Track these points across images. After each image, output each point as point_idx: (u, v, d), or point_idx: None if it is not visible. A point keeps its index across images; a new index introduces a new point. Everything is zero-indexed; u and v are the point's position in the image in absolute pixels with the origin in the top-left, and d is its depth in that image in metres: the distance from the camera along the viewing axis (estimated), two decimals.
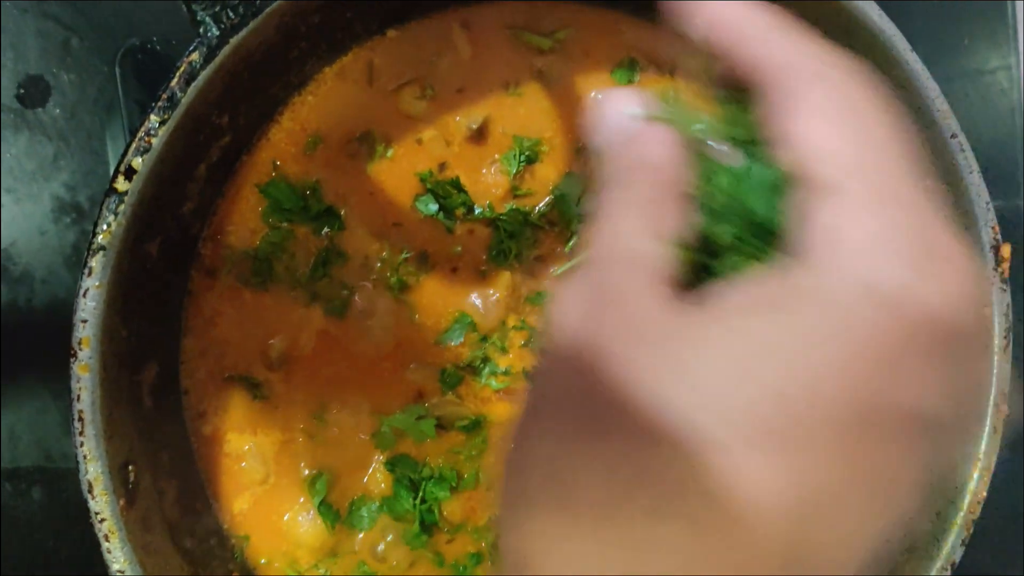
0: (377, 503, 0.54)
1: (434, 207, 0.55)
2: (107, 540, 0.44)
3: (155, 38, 0.61)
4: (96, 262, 0.43)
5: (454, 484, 0.54)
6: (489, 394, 0.55)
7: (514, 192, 0.56)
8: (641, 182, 0.26)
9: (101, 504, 0.44)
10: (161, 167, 0.44)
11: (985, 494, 0.49)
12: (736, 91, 0.26)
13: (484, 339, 0.55)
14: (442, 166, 0.55)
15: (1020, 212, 0.66)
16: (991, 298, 0.49)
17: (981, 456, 0.49)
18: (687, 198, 0.26)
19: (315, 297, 0.55)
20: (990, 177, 0.48)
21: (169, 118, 0.43)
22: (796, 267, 0.23)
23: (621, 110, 0.27)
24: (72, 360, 0.43)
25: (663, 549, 0.23)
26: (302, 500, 0.54)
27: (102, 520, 0.44)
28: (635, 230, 0.25)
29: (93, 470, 0.44)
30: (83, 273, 0.43)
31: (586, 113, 0.28)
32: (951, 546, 0.49)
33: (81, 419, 0.43)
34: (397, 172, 0.55)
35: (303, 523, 0.54)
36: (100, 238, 0.43)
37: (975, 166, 0.48)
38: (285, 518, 0.54)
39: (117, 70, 0.60)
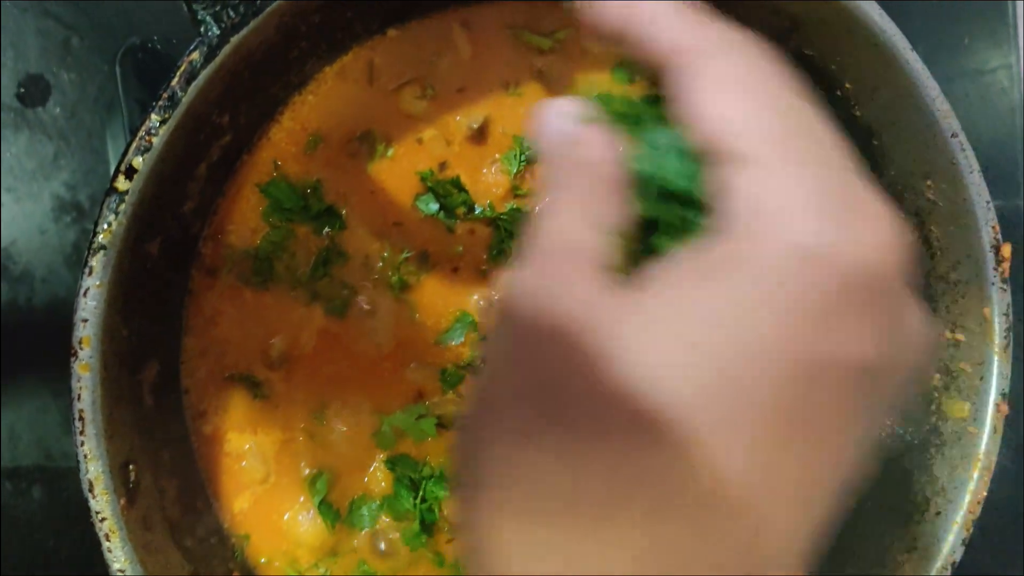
0: (377, 502, 0.54)
1: (435, 206, 0.55)
2: (108, 539, 0.44)
3: (156, 37, 0.61)
4: (97, 261, 0.43)
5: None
6: None
7: (515, 192, 0.56)
8: (579, 180, 0.27)
9: (102, 503, 0.44)
10: (162, 166, 0.44)
11: (985, 494, 0.49)
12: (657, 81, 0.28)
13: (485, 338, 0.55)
14: (443, 165, 0.55)
15: (1020, 212, 0.66)
16: (990, 295, 0.49)
17: (981, 456, 0.49)
18: (624, 191, 0.27)
19: (316, 296, 0.55)
20: (990, 176, 0.48)
21: (170, 117, 0.43)
22: (723, 237, 0.24)
23: (561, 116, 0.28)
24: (73, 359, 0.43)
25: (635, 545, 0.23)
26: (302, 499, 0.54)
27: (103, 519, 0.44)
28: (574, 223, 0.26)
29: (94, 469, 0.44)
30: (84, 272, 0.43)
31: (530, 122, 0.29)
32: (951, 546, 0.49)
33: (82, 418, 0.43)
34: (398, 171, 0.55)
35: (303, 522, 0.54)
36: (101, 237, 0.43)
37: (975, 165, 0.48)
38: (285, 517, 0.54)
39: (117, 69, 0.60)
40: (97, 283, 0.43)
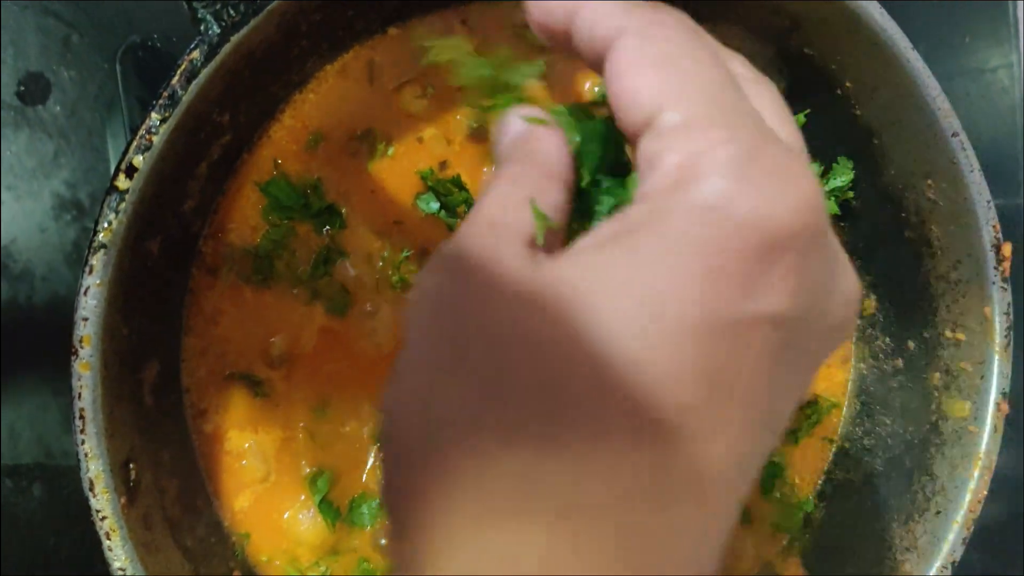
0: (378, 501, 0.54)
1: (435, 205, 0.55)
2: (108, 538, 0.44)
3: (156, 35, 0.60)
4: (97, 260, 0.43)
5: None
6: None
7: None
8: (519, 166, 0.28)
9: (102, 502, 0.44)
10: (162, 165, 0.44)
11: (985, 493, 0.49)
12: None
13: None
14: (443, 164, 0.55)
15: (1021, 210, 0.66)
16: (991, 294, 0.49)
17: (981, 456, 0.49)
18: (563, 178, 0.28)
19: (316, 295, 0.55)
20: (991, 175, 0.48)
21: (170, 116, 0.43)
22: (639, 200, 0.25)
23: (515, 119, 0.30)
24: (73, 358, 0.43)
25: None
26: (303, 498, 0.54)
27: (103, 518, 0.44)
28: (506, 200, 0.27)
29: (94, 468, 0.44)
30: (84, 271, 0.43)
31: (492, 130, 0.31)
32: (951, 545, 0.49)
33: (82, 417, 0.43)
34: (398, 170, 0.55)
35: (304, 521, 0.54)
36: (101, 236, 0.43)
37: (976, 164, 0.48)
38: (286, 516, 0.54)
39: (118, 67, 0.60)
40: (97, 282, 0.43)
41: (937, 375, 0.53)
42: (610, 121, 0.28)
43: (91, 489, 0.44)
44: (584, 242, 0.25)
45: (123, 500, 0.45)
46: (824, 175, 0.56)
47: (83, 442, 0.44)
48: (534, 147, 0.29)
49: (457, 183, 0.55)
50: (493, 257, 0.25)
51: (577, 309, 0.23)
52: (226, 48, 0.43)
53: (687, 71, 0.25)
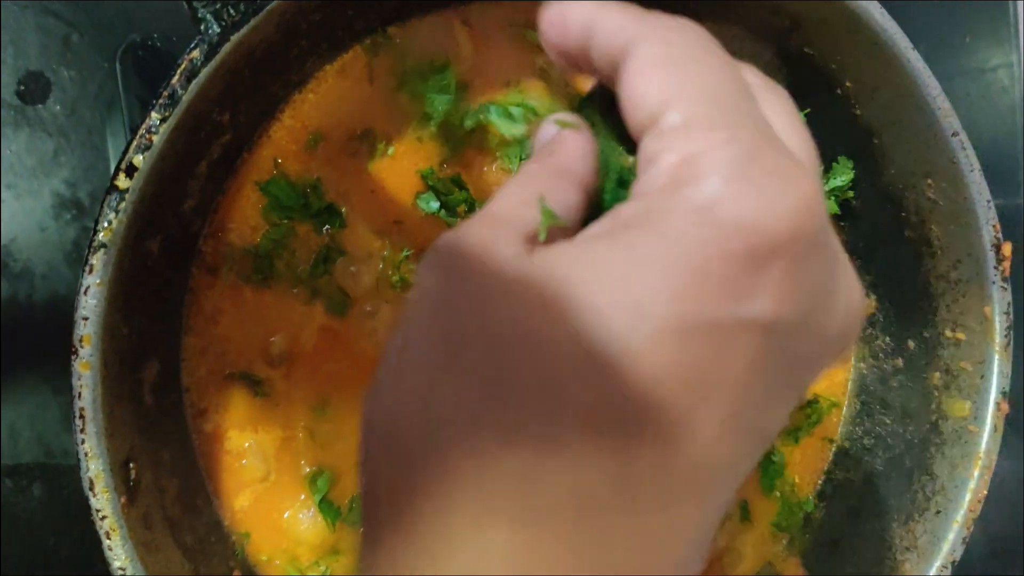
0: None
1: (435, 205, 0.55)
2: (108, 537, 0.44)
3: (156, 35, 0.60)
4: (97, 260, 0.43)
5: None
6: None
7: None
8: (538, 167, 0.28)
9: (102, 501, 0.44)
10: (162, 165, 0.44)
11: (985, 493, 0.49)
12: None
13: None
14: (443, 164, 0.55)
15: (1021, 210, 0.67)
16: (991, 294, 0.49)
17: (981, 455, 0.49)
18: (579, 178, 0.28)
19: (316, 295, 0.55)
20: (991, 175, 0.48)
21: (170, 116, 0.43)
22: (636, 199, 0.25)
23: (548, 123, 0.30)
24: (73, 357, 0.43)
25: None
26: (303, 497, 0.54)
27: (103, 517, 0.44)
28: (517, 197, 0.27)
29: (94, 467, 0.44)
30: (84, 270, 0.43)
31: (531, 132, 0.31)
32: (951, 545, 0.49)
33: (82, 417, 0.43)
34: (398, 170, 0.55)
35: (304, 520, 0.54)
36: (101, 235, 0.43)
37: (976, 164, 0.48)
38: (286, 515, 0.54)
39: (118, 66, 0.60)
40: (97, 281, 0.43)
41: (937, 375, 0.53)
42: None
43: (91, 488, 0.44)
44: (578, 236, 0.25)
45: (123, 499, 0.45)
46: (824, 175, 0.56)
47: (83, 441, 0.44)
48: (554, 148, 0.29)
49: (457, 182, 0.54)
50: (488, 250, 0.25)
51: (570, 305, 0.23)
52: (226, 48, 0.43)
53: (691, 73, 0.25)
